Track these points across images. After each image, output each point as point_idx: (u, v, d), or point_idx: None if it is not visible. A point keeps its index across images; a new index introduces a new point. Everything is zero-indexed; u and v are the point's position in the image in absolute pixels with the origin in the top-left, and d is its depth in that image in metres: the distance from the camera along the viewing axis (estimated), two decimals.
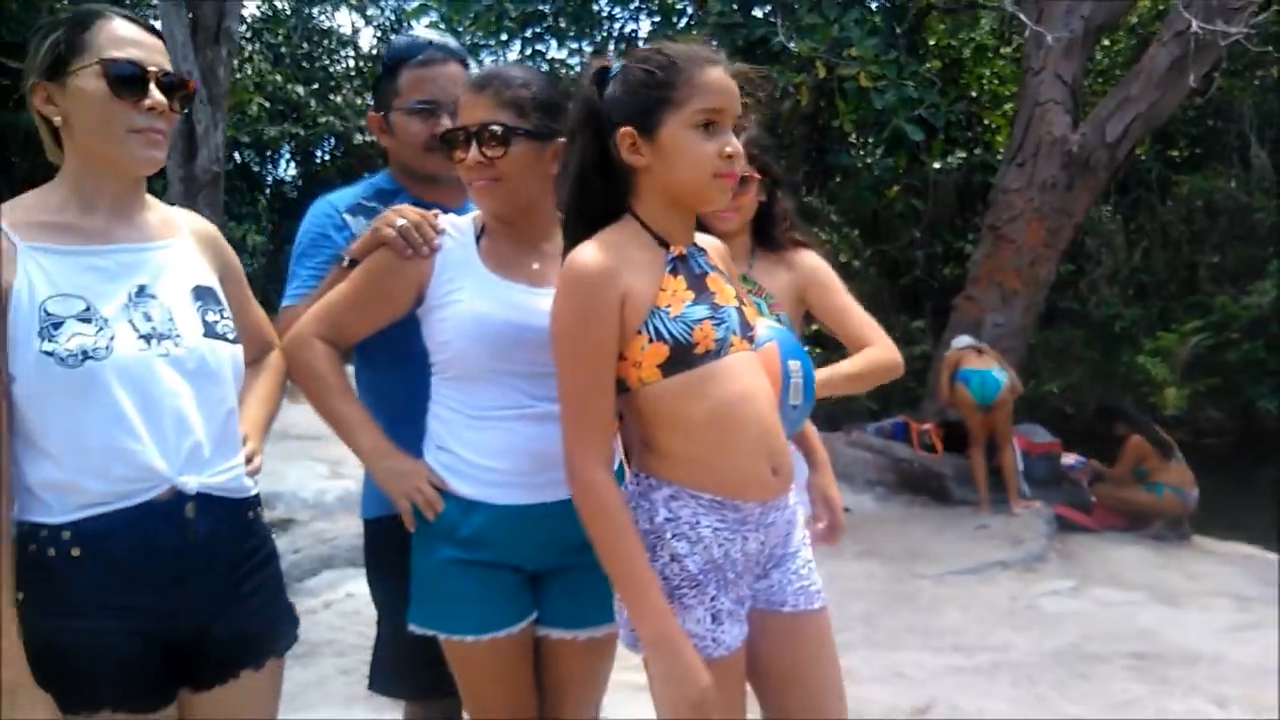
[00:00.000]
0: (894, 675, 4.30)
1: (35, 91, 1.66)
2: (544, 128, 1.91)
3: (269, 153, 11.40)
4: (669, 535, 1.71)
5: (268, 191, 12.41)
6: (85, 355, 1.54)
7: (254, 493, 1.79)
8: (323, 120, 10.84)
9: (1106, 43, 11.08)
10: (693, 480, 1.72)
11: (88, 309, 1.58)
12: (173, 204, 1.92)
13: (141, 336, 1.61)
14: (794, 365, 2.10)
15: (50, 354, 1.53)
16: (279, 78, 10.69)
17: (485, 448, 1.89)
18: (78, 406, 1.55)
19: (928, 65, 9.49)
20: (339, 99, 11.12)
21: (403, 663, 2.20)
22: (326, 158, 12.26)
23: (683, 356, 1.68)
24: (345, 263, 2.00)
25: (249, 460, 1.78)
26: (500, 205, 1.93)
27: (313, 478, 6.43)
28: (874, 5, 9.92)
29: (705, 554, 1.71)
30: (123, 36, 1.64)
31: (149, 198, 1.78)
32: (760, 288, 2.47)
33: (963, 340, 8.00)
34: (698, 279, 1.76)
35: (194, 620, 1.67)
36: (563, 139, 1.90)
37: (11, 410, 1.56)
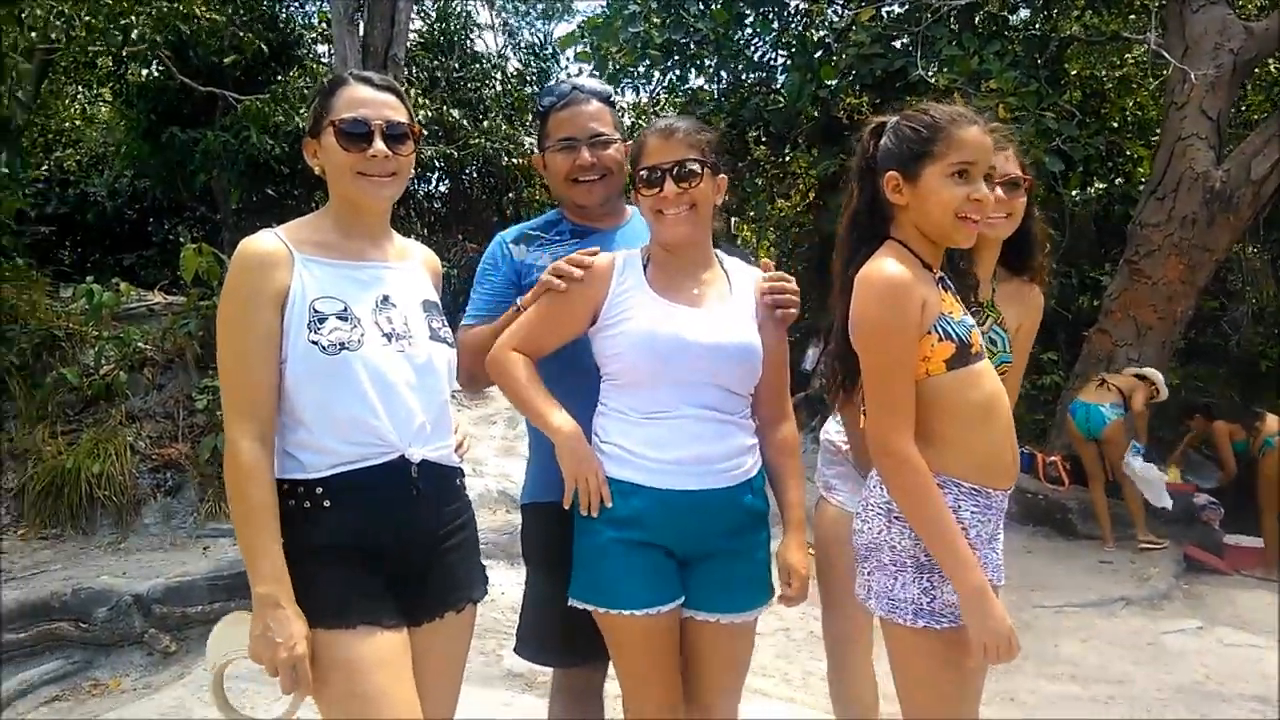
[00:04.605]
0: (1007, 700, 4.36)
1: (306, 146, 2.08)
2: (718, 164, 2.25)
3: (423, 171, 12.04)
4: None
5: (420, 207, 13.10)
6: (342, 346, 1.90)
7: (460, 466, 2.14)
8: (474, 142, 11.28)
9: (1261, 75, 10.66)
10: (958, 469, 1.98)
11: (345, 310, 1.94)
12: None
13: (384, 335, 1.97)
14: None
15: (315, 343, 1.89)
16: (434, 101, 11.29)
17: (650, 441, 2.16)
18: (331, 386, 1.90)
19: (1067, 96, 9.27)
20: (487, 123, 11.60)
21: (551, 633, 2.43)
22: (475, 175, 12.85)
23: (963, 354, 1.98)
24: (517, 306, 2.34)
25: (459, 445, 2.15)
26: (691, 231, 2.23)
27: None
28: (1015, 37, 9.68)
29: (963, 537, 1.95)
30: (355, 98, 2.01)
31: (391, 229, 2.16)
32: (1003, 318, 2.43)
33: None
34: (954, 296, 2.06)
35: (417, 560, 1.99)
36: (723, 175, 2.26)
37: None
